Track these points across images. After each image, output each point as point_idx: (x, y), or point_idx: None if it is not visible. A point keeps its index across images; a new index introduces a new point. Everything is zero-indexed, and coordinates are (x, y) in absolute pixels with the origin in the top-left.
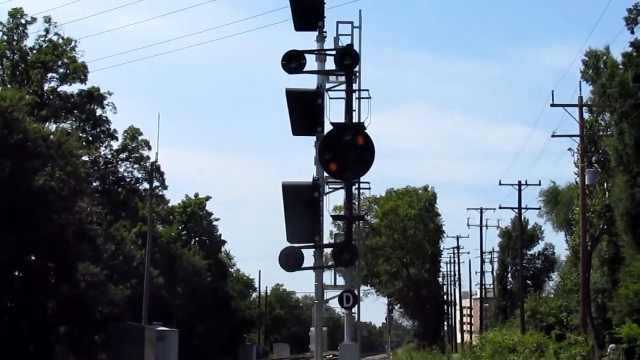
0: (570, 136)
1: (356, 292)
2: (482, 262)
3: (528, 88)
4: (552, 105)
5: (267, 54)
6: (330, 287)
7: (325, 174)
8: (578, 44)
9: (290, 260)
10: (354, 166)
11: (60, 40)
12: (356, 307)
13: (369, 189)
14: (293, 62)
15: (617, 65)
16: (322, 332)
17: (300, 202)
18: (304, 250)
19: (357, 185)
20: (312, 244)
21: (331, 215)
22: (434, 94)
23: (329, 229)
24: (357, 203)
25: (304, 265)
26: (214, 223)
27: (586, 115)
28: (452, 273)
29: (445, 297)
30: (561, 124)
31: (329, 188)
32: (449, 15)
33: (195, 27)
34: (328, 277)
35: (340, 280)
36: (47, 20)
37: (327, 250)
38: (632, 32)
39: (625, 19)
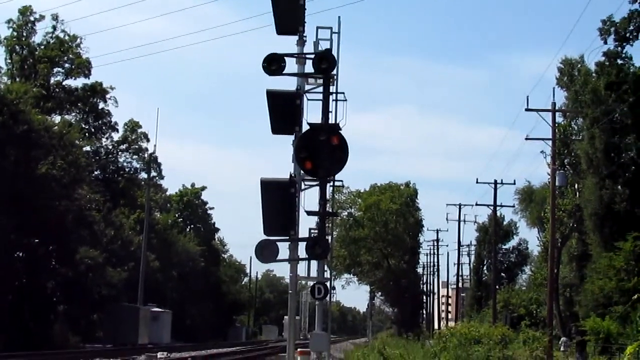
0: (543, 139)
1: (328, 284)
2: (460, 254)
3: (506, 92)
4: (527, 109)
5: (261, 52)
6: (304, 278)
7: (302, 172)
8: (554, 51)
9: (265, 252)
10: (328, 165)
11: (67, 37)
12: (329, 296)
13: (343, 186)
14: (273, 64)
15: (591, 74)
16: (295, 321)
17: (277, 198)
18: (279, 244)
19: (331, 183)
20: (287, 237)
21: (305, 211)
22: (419, 96)
23: (307, 225)
24: (332, 200)
25: (279, 257)
26: (209, 212)
27: (560, 120)
28: (432, 264)
29: (424, 287)
30: (536, 127)
31: (305, 185)
32: (436, 23)
33: (194, 26)
34: (303, 268)
35: (314, 272)
36: (55, 17)
37: None
38: (605, 42)
39: (599, 30)
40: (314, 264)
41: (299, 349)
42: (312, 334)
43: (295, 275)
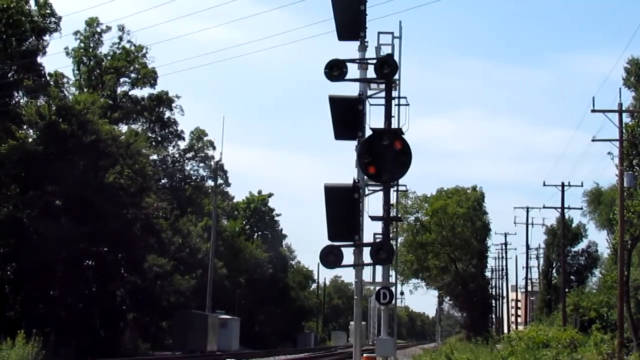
0: (610, 140)
1: (393, 289)
2: (528, 258)
3: (571, 93)
4: (593, 110)
5: (324, 58)
6: (370, 283)
7: (365, 177)
8: (619, 51)
9: (330, 258)
10: (392, 170)
11: (133, 47)
12: (394, 301)
13: (407, 191)
14: (335, 70)
15: None
16: (361, 326)
17: (341, 203)
18: (344, 249)
19: (395, 188)
20: (352, 242)
21: (369, 216)
22: (484, 99)
23: (372, 230)
24: (396, 204)
25: (344, 263)
26: (276, 218)
27: (628, 120)
28: (500, 268)
29: (492, 290)
30: (602, 128)
31: (369, 190)
32: (499, 24)
33: (258, 34)
34: (368, 273)
35: (379, 277)
36: (121, 28)
37: None
38: None
39: None
40: (379, 269)
41: (364, 355)
42: (378, 339)
43: (360, 280)
